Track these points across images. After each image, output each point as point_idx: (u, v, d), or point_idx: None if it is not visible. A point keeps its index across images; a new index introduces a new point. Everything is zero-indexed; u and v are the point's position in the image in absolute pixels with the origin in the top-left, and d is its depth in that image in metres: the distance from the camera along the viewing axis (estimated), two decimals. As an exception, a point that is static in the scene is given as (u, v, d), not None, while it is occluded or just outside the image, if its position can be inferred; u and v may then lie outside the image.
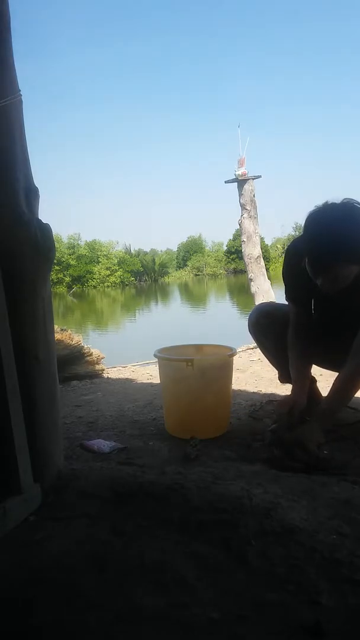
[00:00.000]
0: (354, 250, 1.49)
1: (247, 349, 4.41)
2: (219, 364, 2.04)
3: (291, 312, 1.95)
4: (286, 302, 1.96)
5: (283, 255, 1.96)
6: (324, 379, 2.34)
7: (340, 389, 1.68)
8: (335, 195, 1.60)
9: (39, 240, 1.28)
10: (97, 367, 3.71)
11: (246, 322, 2.19)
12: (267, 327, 2.06)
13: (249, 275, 5.67)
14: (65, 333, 3.48)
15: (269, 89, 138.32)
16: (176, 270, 54.15)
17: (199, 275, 51.07)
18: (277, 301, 3.60)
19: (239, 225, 5.82)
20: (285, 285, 1.94)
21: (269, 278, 5.69)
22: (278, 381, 2.90)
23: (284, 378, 2.16)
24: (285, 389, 2.63)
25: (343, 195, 1.61)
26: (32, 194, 1.30)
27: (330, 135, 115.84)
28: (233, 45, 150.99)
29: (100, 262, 43.40)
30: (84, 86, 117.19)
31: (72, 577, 0.96)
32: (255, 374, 3.26)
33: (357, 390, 1.74)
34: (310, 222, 1.55)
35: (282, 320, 1.97)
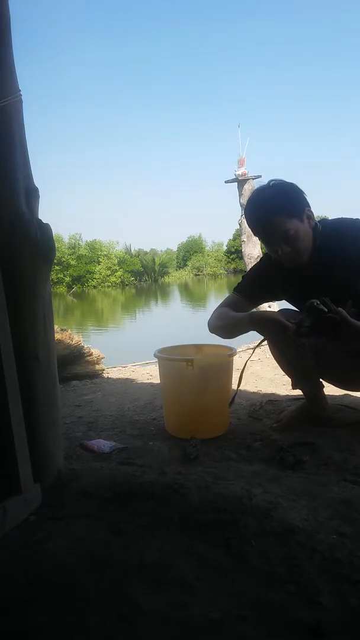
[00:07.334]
0: (289, 205, 1.71)
1: (247, 349, 4.41)
2: (219, 363, 2.04)
3: (228, 299, 1.99)
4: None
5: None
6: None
7: None
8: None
9: (39, 240, 1.28)
10: (97, 367, 3.72)
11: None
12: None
13: (249, 275, 5.67)
14: (65, 333, 3.48)
15: (269, 87, 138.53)
16: (176, 270, 54.00)
17: (199, 275, 50.99)
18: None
19: (239, 225, 5.84)
20: (246, 279, 1.99)
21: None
22: (278, 381, 2.92)
23: (296, 385, 2.12)
24: (285, 389, 2.63)
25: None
26: (32, 194, 1.30)
27: (332, 134, 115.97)
28: (234, 38, 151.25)
29: (101, 262, 43.34)
30: (84, 85, 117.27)
31: (72, 577, 0.96)
32: (255, 374, 3.26)
33: None
34: (246, 203, 1.83)
35: None
